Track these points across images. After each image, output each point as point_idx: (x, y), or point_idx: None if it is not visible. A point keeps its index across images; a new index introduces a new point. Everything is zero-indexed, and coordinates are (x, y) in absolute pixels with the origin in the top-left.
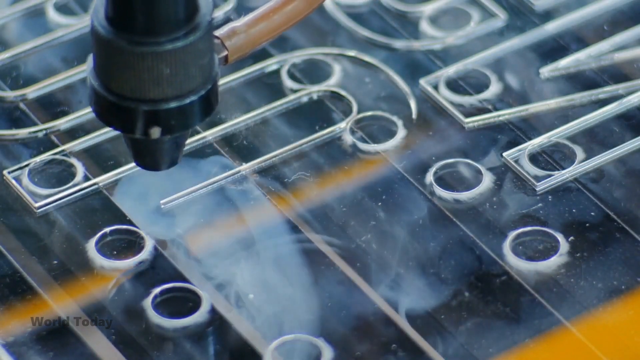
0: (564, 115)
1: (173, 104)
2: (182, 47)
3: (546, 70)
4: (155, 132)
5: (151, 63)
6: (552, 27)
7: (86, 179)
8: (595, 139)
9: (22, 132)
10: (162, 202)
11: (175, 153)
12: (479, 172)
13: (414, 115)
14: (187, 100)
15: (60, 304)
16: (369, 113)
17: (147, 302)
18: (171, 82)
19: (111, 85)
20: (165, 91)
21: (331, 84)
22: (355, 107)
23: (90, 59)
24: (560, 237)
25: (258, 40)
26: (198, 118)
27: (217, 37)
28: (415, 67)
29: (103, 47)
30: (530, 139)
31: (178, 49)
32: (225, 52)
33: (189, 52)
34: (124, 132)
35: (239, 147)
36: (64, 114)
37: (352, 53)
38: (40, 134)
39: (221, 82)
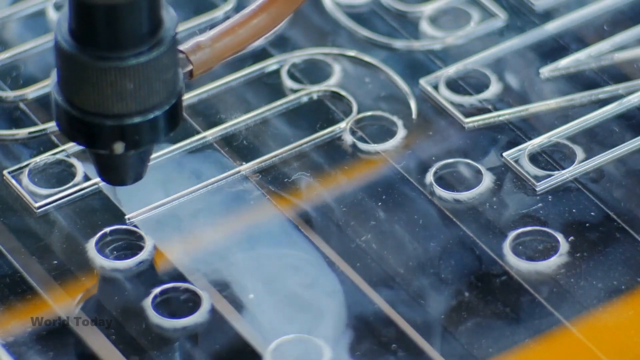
0: (564, 115)
1: (137, 119)
2: (145, 62)
3: (546, 70)
4: (119, 147)
5: (114, 78)
6: (552, 27)
7: (86, 179)
8: (595, 139)
9: (22, 132)
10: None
11: (140, 168)
12: (479, 172)
13: (414, 115)
14: (151, 115)
15: (60, 304)
16: (369, 113)
17: (147, 302)
18: (135, 97)
19: (75, 100)
20: (129, 106)
21: (331, 84)
22: (355, 107)
23: (54, 73)
24: (560, 237)
25: (223, 55)
26: (163, 133)
27: (182, 52)
28: (415, 67)
29: (66, 62)
30: (530, 139)
31: (142, 63)
32: (190, 67)
33: (153, 67)
34: (88, 147)
35: (239, 147)
36: None
37: (352, 53)
38: (40, 134)
39: (221, 82)
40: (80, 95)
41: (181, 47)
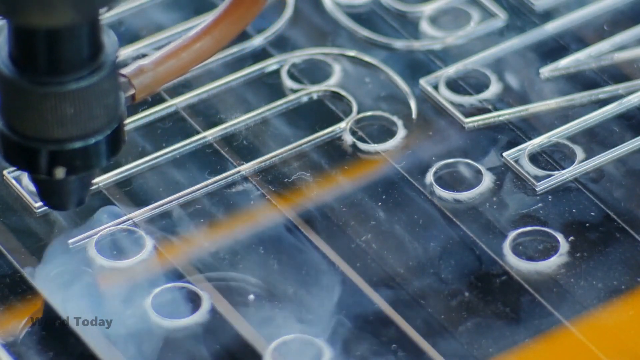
0: (564, 115)
1: (77, 144)
2: (85, 87)
3: (546, 70)
4: (60, 172)
5: (54, 103)
6: (552, 27)
7: None
8: (595, 139)
9: None
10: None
11: (82, 192)
12: (479, 172)
13: (414, 115)
14: (92, 140)
15: (60, 304)
16: (369, 113)
17: (147, 302)
18: (75, 122)
19: (15, 125)
20: (70, 131)
21: (331, 84)
22: (355, 107)
23: None
24: (560, 237)
25: (166, 78)
26: (104, 158)
27: (124, 76)
28: (415, 67)
29: (6, 87)
30: (530, 139)
31: (82, 88)
32: (133, 91)
33: (93, 91)
34: (29, 172)
35: (239, 147)
36: None
37: (352, 53)
38: None
39: (221, 82)
40: (20, 120)
41: (123, 71)
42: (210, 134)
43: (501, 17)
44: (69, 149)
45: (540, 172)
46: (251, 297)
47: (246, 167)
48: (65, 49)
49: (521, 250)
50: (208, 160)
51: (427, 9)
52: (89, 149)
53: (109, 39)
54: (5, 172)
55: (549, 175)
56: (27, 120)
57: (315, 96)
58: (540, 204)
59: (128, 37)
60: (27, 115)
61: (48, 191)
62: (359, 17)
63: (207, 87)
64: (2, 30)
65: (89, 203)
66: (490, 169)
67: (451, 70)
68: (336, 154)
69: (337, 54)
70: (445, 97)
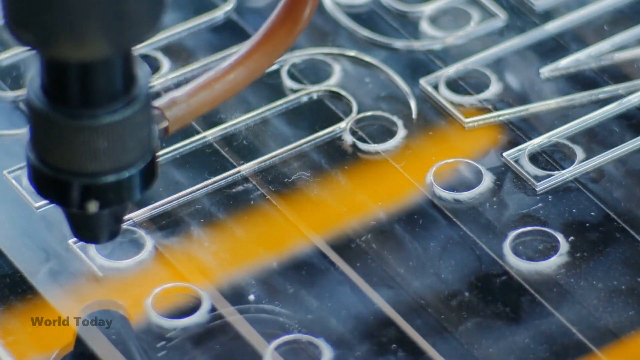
0: (564, 115)
1: (110, 178)
2: (119, 120)
3: (546, 70)
4: (92, 206)
5: (88, 137)
6: (552, 27)
7: None
8: (595, 139)
9: (22, 132)
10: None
11: (115, 226)
12: (479, 172)
13: (414, 115)
14: (126, 174)
15: (60, 304)
16: (369, 113)
17: (147, 302)
18: (108, 156)
19: (47, 158)
20: (103, 165)
21: (331, 84)
22: (355, 107)
23: (27, 130)
24: (560, 237)
25: (199, 110)
26: (137, 191)
27: (157, 108)
28: (415, 67)
29: (38, 119)
30: (530, 139)
31: (115, 122)
32: (166, 123)
33: (127, 125)
34: (61, 205)
35: (239, 147)
36: None
37: (352, 53)
38: None
39: None
40: (52, 153)
41: (156, 103)
42: (210, 134)
43: (501, 17)
44: (102, 182)
45: (540, 172)
46: (251, 297)
47: (246, 167)
48: (99, 82)
49: (521, 250)
50: (208, 160)
51: (427, 9)
52: (122, 182)
53: (142, 71)
54: (5, 172)
55: (549, 175)
56: (59, 154)
57: (315, 96)
58: (540, 204)
59: None
60: (60, 149)
61: (80, 225)
62: (359, 17)
63: None
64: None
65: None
66: (490, 169)
67: (451, 70)
68: (336, 154)
69: (337, 54)
70: (445, 97)
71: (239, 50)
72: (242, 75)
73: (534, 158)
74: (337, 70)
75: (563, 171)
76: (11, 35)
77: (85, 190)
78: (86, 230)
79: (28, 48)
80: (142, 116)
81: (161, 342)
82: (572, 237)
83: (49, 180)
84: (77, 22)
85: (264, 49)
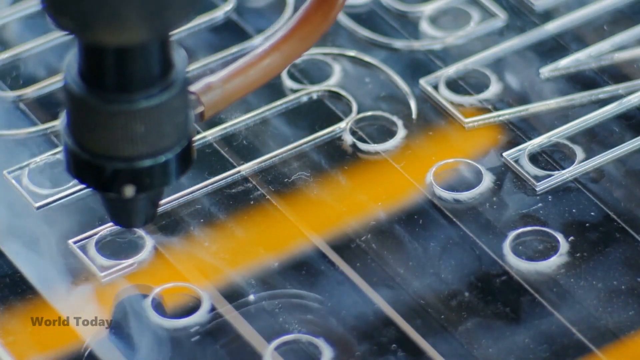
0: (564, 115)
1: (147, 162)
2: (156, 105)
3: (546, 70)
4: (129, 190)
5: (125, 121)
6: (552, 27)
7: None
8: (595, 139)
9: (22, 132)
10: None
11: (151, 210)
12: (479, 172)
13: (414, 115)
14: (162, 158)
15: (60, 304)
16: (369, 113)
17: (147, 302)
18: (145, 140)
19: (84, 143)
20: (140, 149)
21: (331, 84)
22: (355, 107)
23: (63, 114)
24: (560, 237)
25: (234, 96)
26: (173, 176)
27: (193, 93)
28: (415, 67)
29: (76, 104)
30: (530, 139)
31: (153, 106)
32: (202, 108)
33: (164, 109)
34: (98, 190)
35: (239, 147)
36: None
37: (352, 53)
38: (40, 134)
39: None
40: (90, 137)
41: (192, 88)
42: (210, 134)
43: (501, 17)
44: (139, 167)
45: (540, 172)
46: (251, 297)
47: (246, 167)
48: (136, 66)
49: (521, 250)
50: (208, 160)
51: (427, 9)
52: (158, 167)
53: (179, 56)
54: (5, 172)
55: (549, 175)
56: (96, 138)
57: (315, 96)
58: (540, 204)
59: None
60: (97, 133)
61: (116, 209)
62: (359, 17)
63: None
64: (72, 47)
65: (89, 203)
66: (490, 169)
67: (451, 70)
68: (336, 154)
69: (337, 54)
70: (445, 97)
71: (274, 35)
72: (277, 60)
73: (534, 158)
74: (337, 70)
75: (563, 171)
76: (50, 20)
77: (121, 175)
78: (122, 214)
79: (66, 33)
80: (178, 101)
81: (161, 342)
82: (572, 237)
83: (85, 165)
84: (116, 7)
85: (299, 34)
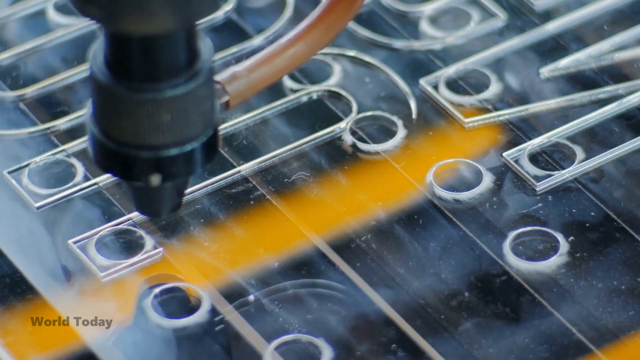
0: (564, 115)
1: (173, 151)
2: (183, 94)
3: (546, 70)
4: (156, 179)
5: (151, 110)
6: (552, 27)
7: (86, 179)
8: (595, 139)
9: (22, 132)
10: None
11: (177, 199)
12: (479, 172)
13: (414, 115)
14: (188, 147)
15: (60, 304)
16: (369, 113)
17: (147, 302)
18: (172, 129)
19: (110, 132)
20: (166, 138)
21: (331, 84)
22: (355, 107)
23: (89, 103)
24: (560, 237)
25: (259, 85)
26: (199, 164)
27: (218, 82)
28: (415, 67)
29: (102, 93)
30: (530, 139)
31: (179, 95)
32: (227, 97)
33: (190, 98)
34: (124, 179)
35: (239, 147)
36: (64, 114)
37: (352, 53)
38: (40, 134)
39: None
40: (116, 126)
41: (217, 78)
42: None
43: (501, 17)
44: (165, 155)
45: (540, 172)
46: (251, 297)
47: (246, 167)
48: (163, 55)
49: (521, 250)
50: None
51: (427, 9)
52: (184, 155)
53: (205, 45)
54: (5, 172)
55: (549, 175)
56: (123, 127)
57: (315, 96)
58: (540, 204)
59: None
60: (123, 122)
61: (143, 199)
62: (359, 17)
63: None
64: (98, 36)
65: (89, 203)
66: (490, 169)
67: (451, 70)
68: (336, 154)
69: (337, 54)
70: (445, 97)
71: (300, 25)
72: (302, 50)
73: (534, 158)
74: (337, 70)
75: (563, 171)
76: (76, 9)
77: (148, 164)
78: (148, 204)
79: (93, 22)
80: (204, 90)
81: (161, 341)
82: (572, 237)
83: (111, 154)
84: None
85: (323, 23)
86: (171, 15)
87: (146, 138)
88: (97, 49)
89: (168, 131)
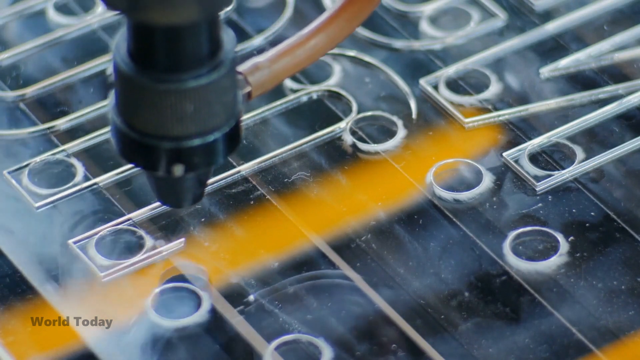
0: (564, 115)
1: (196, 141)
2: (205, 85)
3: (546, 70)
4: (179, 169)
5: (174, 100)
6: (552, 27)
7: (86, 179)
8: (595, 139)
9: (22, 132)
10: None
11: (199, 190)
12: (479, 172)
13: (414, 115)
14: (211, 137)
15: (60, 304)
16: (369, 113)
17: (147, 302)
18: (194, 119)
19: (133, 122)
20: (189, 128)
21: (331, 84)
22: (355, 107)
23: (112, 94)
24: (560, 237)
25: (281, 76)
26: (222, 155)
27: (240, 73)
28: (415, 67)
29: (125, 84)
30: (530, 139)
31: (202, 86)
32: (249, 88)
33: (213, 89)
34: (147, 169)
35: (239, 147)
36: (64, 114)
37: (352, 53)
38: (40, 134)
39: None
40: (139, 117)
41: (239, 68)
42: None
43: (501, 17)
44: (188, 146)
45: (540, 172)
46: (251, 297)
47: (246, 167)
48: (186, 46)
49: (521, 250)
50: None
51: (427, 9)
52: (207, 146)
53: (227, 36)
54: (5, 172)
55: (549, 175)
56: (146, 118)
57: (315, 96)
58: (540, 204)
59: None
60: (146, 113)
61: (165, 189)
62: None
63: None
64: (121, 27)
65: (89, 203)
66: (490, 169)
67: (451, 70)
68: (336, 154)
69: (337, 54)
70: (445, 97)
71: (321, 16)
72: (323, 41)
73: (534, 158)
74: (337, 70)
75: (563, 171)
76: (101, 1)
77: (171, 154)
78: (170, 194)
79: (116, 12)
80: (227, 81)
81: (161, 341)
82: (572, 237)
83: (134, 145)
84: None
85: (345, 15)
86: (195, 5)
87: (169, 128)
88: (120, 40)
89: (191, 121)
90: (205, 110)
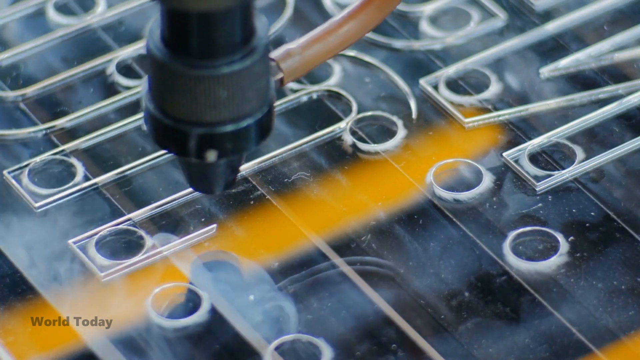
0: (564, 115)
1: (229, 127)
2: (239, 71)
3: (546, 70)
4: (211, 155)
5: (208, 86)
6: (552, 27)
7: (86, 179)
8: (595, 139)
9: (22, 132)
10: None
11: (230, 176)
12: (479, 172)
13: (414, 115)
14: (244, 124)
15: (60, 304)
16: (369, 113)
17: (147, 302)
18: (227, 106)
19: (167, 108)
20: (222, 114)
21: (331, 83)
22: (355, 107)
23: (145, 80)
24: (560, 237)
25: (313, 62)
26: (254, 141)
27: (273, 59)
28: (415, 67)
29: (158, 70)
30: (530, 139)
31: (235, 72)
32: (281, 75)
33: (246, 75)
34: (180, 155)
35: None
36: (64, 114)
37: (352, 53)
38: (40, 134)
39: None
40: (172, 103)
41: (271, 55)
42: None
43: (501, 17)
44: (221, 132)
45: (540, 172)
46: (251, 297)
47: (246, 167)
48: (219, 32)
49: (521, 250)
50: None
51: (427, 9)
52: (240, 132)
53: (260, 22)
54: (5, 172)
55: (549, 175)
56: (179, 104)
57: (315, 96)
58: (540, 204)
59: (128, 37)
60: (180, 99)
61: (197, 175)
62: None
63: None
64: (155, 14)
65: (89, 203)
66: (490, 169)
67: (451, 70)
68: (336, 154)
69: (337, 54)
70: (445, 97)
71: (353, 3)
72: (354, 28)
73: (534, 158)
74: (337, 70)
75: (563, 171)
76: None
77: (204, 140)
78: (202, 180)
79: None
80: (260, 67)
81: (161, 341)
82: (572, 237)
83: (168, 131)
84: None
85: (376, 2)
86: None
87: (202, 114)
88: (154, 26)
89: (224, 107)
90: (239, 97)
